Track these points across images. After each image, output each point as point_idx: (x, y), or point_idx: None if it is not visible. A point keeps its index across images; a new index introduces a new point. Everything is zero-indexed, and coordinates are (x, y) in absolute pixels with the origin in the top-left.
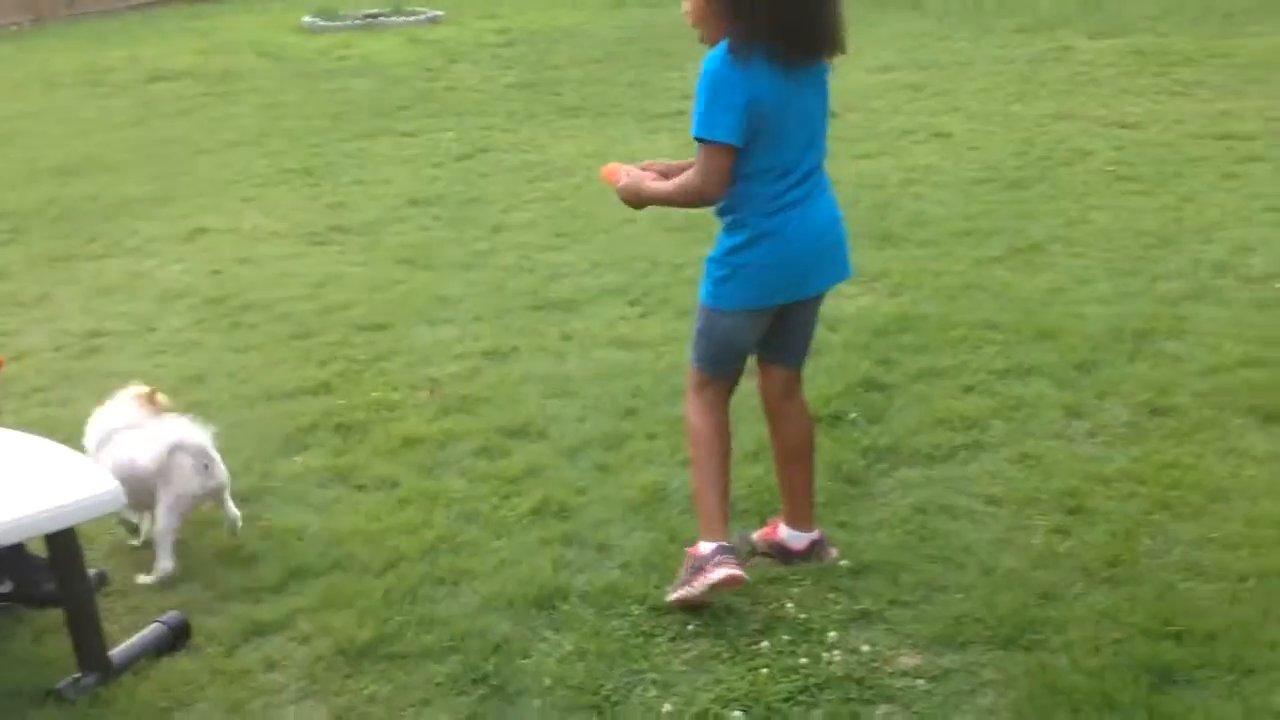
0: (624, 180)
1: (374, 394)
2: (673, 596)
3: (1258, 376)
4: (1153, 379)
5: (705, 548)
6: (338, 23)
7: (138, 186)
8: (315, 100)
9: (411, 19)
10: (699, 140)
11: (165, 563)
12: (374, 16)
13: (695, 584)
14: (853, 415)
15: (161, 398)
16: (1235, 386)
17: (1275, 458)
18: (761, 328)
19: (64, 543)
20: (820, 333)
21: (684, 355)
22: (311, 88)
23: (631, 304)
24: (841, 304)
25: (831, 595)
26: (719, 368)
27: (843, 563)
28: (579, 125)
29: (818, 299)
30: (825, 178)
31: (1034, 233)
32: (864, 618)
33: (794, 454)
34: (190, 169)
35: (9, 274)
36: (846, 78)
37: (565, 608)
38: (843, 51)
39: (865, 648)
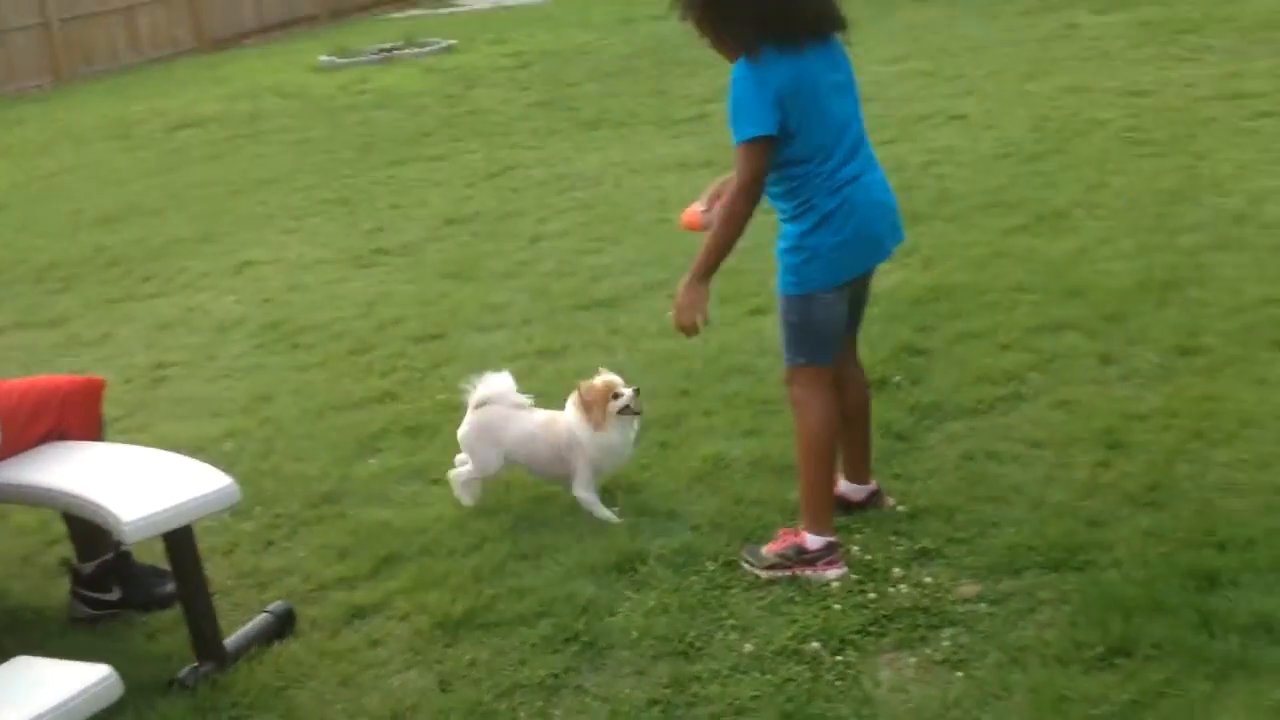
0: (683, 299)
1: (439, 397)
2: (764, 573)
3: None
4: (1180, 324)
5: (814, 541)
6: (354, 59)
7: (180, 228)
8: (341, 134)
9: (425, 50)
10: (738, 145)
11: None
12: (388, 50)
13: (804, 573)
14: (897, 379)
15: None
16: (1260, 324)
17: None
18: (848, 301)
19: (182, 539)
20: None
21: (731, 338)
22: (336, 122)
23: (672, 296)
24: (876, 280)
25: (893, 538)
26: (823, 354)
27: (900, 509)
28: (601, 137)
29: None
30: (870, 150)
31: (1056, 201)
32: (924, 555)
33: (853, 414)
34: (228, 208)
35: (69, 318)
36: (861, 70)
37: (644, 569)
38: (843, 27)
39: (928, 579)
